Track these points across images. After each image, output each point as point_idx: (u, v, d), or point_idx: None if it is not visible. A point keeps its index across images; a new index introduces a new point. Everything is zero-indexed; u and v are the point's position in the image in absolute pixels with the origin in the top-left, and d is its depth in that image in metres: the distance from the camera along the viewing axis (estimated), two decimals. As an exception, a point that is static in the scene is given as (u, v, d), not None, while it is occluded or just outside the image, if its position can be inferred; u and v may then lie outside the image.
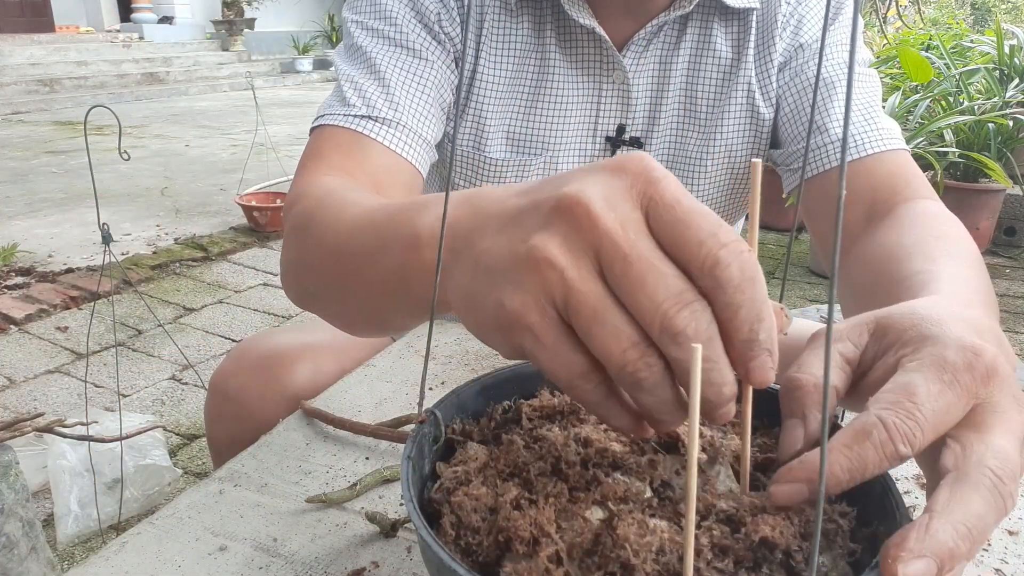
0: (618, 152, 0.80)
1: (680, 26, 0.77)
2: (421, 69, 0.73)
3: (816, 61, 0.76)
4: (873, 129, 0.73)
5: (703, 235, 0.29)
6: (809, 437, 0.33)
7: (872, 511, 0.34)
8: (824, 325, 0.30)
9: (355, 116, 0.70)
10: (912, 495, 0.54)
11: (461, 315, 0.36)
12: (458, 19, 0.75)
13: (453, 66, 0.76)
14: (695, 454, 0.26)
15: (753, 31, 0.77)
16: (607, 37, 0.74)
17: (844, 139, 0.21)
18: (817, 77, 0.30)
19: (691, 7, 0.74)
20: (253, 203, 3.47)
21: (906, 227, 0.62)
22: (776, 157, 0.81)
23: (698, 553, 0.30)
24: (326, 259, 0.53)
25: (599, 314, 0.29)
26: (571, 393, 0.32)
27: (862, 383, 0.36)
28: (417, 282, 0.41)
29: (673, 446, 0.37)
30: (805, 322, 0.74)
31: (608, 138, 0.79)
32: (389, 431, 0.61)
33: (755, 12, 0.76)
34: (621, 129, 0.79)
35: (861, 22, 0.85)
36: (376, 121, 0.69)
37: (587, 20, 0.73)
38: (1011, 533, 0.50)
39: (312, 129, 0.72)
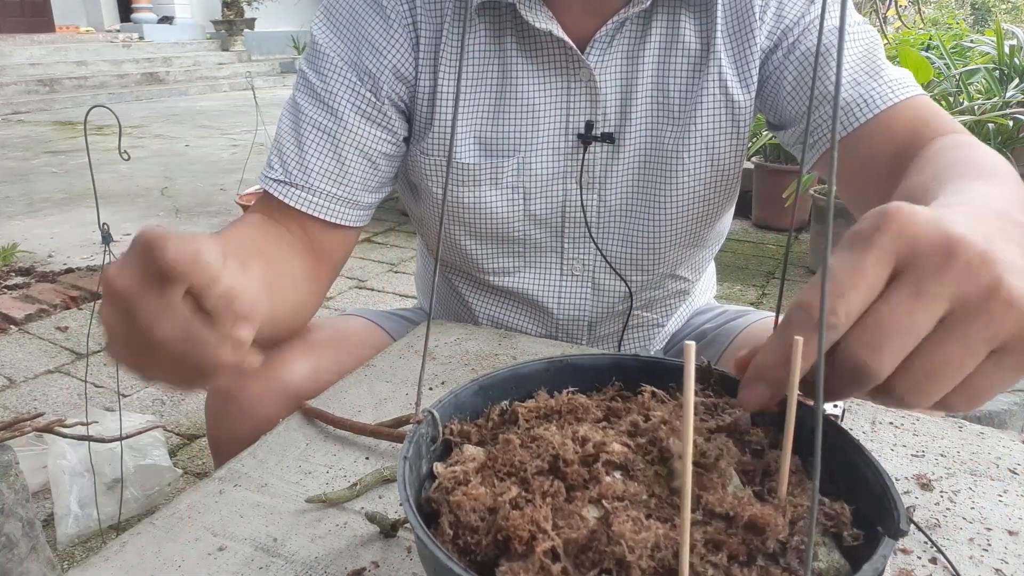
0: (590, 148, 0.80)
1: (644, 20, 0.77)
2: (336, 129, 0.78)
3: (809, 34, 0.75)
4: (882, 83, 0.72)
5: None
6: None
7: (870, 510, 0.34)
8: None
9: (272, 180, 0.78)
10: (912, 495, 0.54)
11: None
12: (408, 45, 0.77)
13: (395, 113, 0.79)
14: (690, 450, 0.26)
15: (719, 19, 0.77)
16: (566, 39, 0.75)
17: (834, 131, 0.21)
18: (817, 51, 0.30)
19: (648, 2, 0.74)
20: (253, 203, 3.47)
21: (922, 164, 0.61)
22: (787, 138, 0.80)
23: (692, 548, 0.30)
24: None
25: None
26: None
27: None
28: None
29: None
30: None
31: (579, 135, 0.80)
32: (389, 431, 0.61)
33: (719, 1, 0.76)
34: (589, 126, 0.79)
35: None
36: (289, 185, 0.78)
37: (544, 24, 0.74)
38: (1011, 533, 0.50)
39: None
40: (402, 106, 0.80)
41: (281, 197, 0.77)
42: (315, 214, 0.78)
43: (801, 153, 0.76)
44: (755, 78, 0.78)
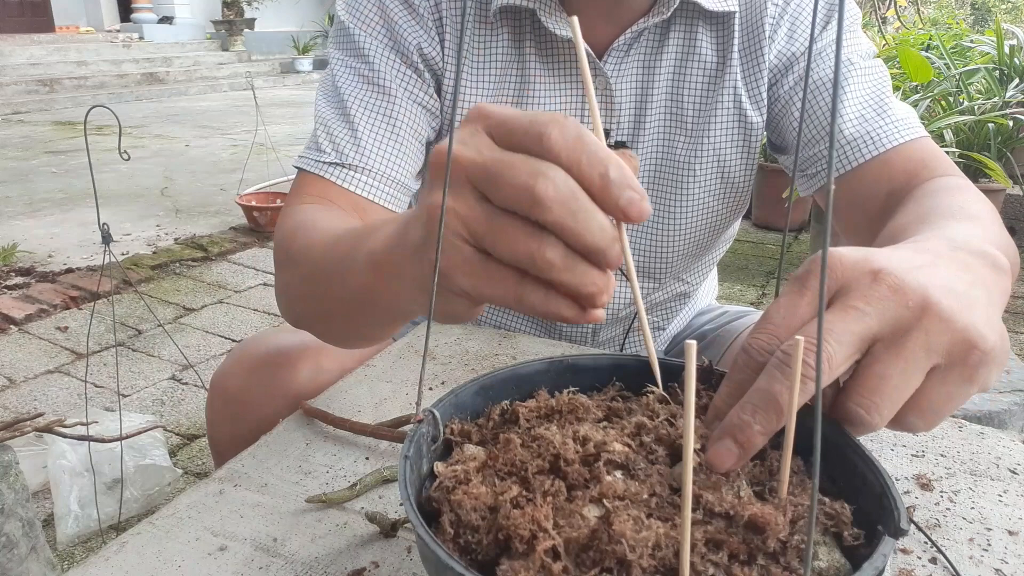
0: None
1: (662, 31, 0.77)
2: (390, 108, 0.75)
3: (820, 62, 0.76)
4: (889, 122, 0.73)
5: (524, 124, 0.34)
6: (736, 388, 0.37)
7: (870, 510, 0.34)
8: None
9: (325, 163, 0.74)
10: (912, 495, 0.54)
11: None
12: (437, 37, 0.76)
13: (434, 95, 0.77)
14: (691, 448, 0.26)
15: (736, 35, 0.77)
16: (586, 45, 0.74)
17: (830, 158, 0.21)
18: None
19: (669, 13, 0.74)
20: (253, 203, 3.47)
21: (911, 205, 0.62)
22: (789, 162, 0.81)
23: (692, 547, 0.30)
24: (304, 286, 0.61)
25: (494, 228, 0.34)
26: (519, 306, 0.35)
27: None
28: (385, 293, 0.47)
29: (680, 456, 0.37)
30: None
31: None
32: (389, 431, 0.61)
33: (736, 16, 0.76)
34: (607, 133, 0.79)
35: (860, 15, 0.84)
36: (345, 168, 0.73)
37: (564, 30, 0.74)
38: (1011, 533, 0.50)
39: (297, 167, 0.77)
40: (436, 99, 0.78)
41: (339, 181, 0.73)
42: (373, 199, 0.73)
43: (793, 171, 0.76)
44: (764, 97, 0.78)
